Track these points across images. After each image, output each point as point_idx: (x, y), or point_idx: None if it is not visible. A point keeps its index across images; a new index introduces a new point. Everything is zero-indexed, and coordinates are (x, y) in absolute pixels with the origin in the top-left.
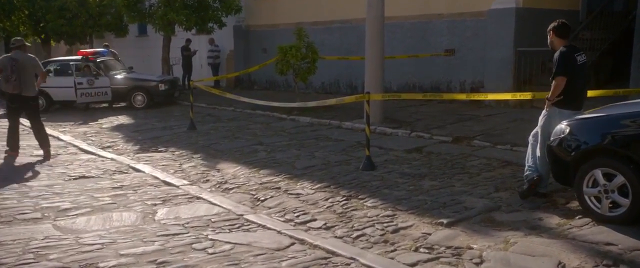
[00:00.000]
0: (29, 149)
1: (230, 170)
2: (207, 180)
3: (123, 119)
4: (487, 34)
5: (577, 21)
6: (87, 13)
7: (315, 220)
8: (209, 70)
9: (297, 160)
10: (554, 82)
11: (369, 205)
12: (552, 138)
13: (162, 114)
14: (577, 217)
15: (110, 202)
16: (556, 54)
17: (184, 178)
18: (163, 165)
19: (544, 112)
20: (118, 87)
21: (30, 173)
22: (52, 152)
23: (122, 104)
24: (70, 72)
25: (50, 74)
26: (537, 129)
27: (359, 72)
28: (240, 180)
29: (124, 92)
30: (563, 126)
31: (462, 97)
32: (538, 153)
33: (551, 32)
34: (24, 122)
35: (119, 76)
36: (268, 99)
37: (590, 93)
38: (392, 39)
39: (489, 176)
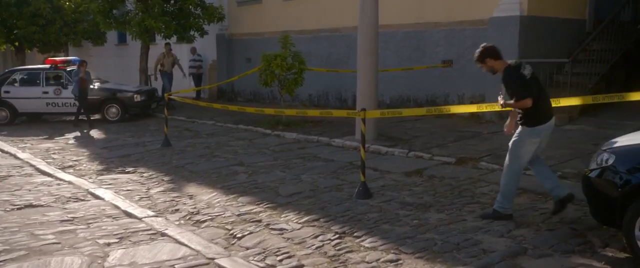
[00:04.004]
0: None
1: (205, 196)
2: (176, 210)
3: (93, 133)
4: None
5: (584, 31)
6: (62, 20)
7: (302, 266)
8: (191, 81)
9: (282, 185)
10: (519, 102)
11: (366, 245)
12: (590, 168)
13: (137, 128)
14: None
15: (53, 241)
16: (503, 76)
17: (149, 208)
18: (127, 190)
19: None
20: (90, 98)
21: None
22: (3, 173)
23: (96, 116)
24: (38, 81)
25: (15, 84)
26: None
27: (349, 84)
28: (215, 210)
29: (97, 103)
30: (605, 154)
31: (473, 108)
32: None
33: (487, 59)
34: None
35: (91, 86)
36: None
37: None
38: (385, 49)
39: None
